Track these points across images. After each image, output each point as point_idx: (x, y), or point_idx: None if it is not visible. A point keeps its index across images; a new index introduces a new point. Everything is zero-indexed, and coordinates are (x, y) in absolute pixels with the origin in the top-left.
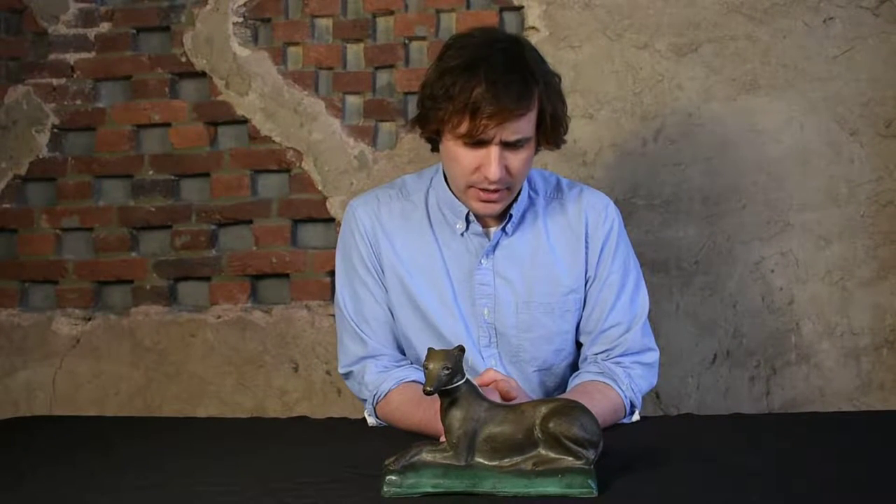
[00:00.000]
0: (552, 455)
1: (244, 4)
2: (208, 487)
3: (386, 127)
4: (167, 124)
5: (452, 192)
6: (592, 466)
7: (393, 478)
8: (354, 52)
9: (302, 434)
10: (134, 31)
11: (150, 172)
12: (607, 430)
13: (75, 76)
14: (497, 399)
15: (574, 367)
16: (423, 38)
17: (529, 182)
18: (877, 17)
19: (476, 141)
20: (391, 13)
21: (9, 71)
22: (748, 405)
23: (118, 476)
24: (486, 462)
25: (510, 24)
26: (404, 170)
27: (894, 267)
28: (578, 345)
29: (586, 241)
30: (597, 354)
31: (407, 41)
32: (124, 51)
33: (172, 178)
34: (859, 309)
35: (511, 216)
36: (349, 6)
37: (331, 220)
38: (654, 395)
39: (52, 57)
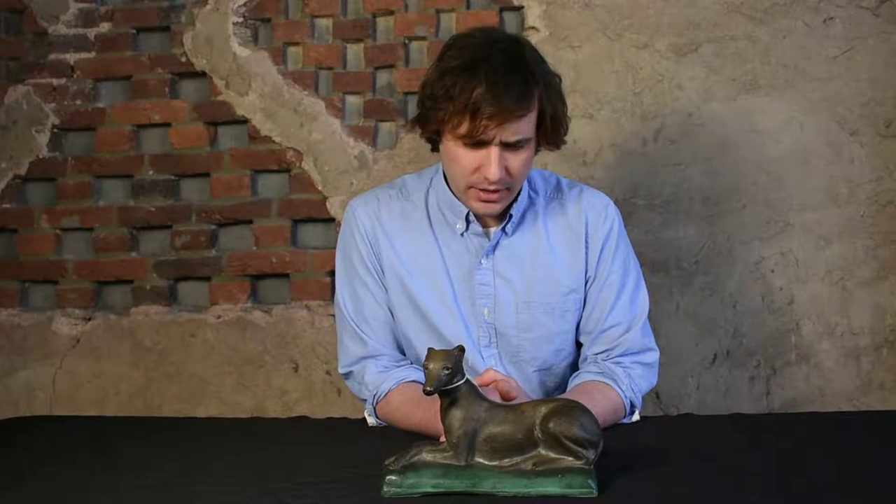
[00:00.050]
0: (552, 455)
1: (244, 4)
2: (208, 487)
3: (386, 127)
4: (167, 124)
5: (452, 192)
6: (592, 466)
7: (393, 478)
8: (354, 52)
9: (302, 434)
10: (134, 31)
11: (150, 172)
12: (607, 430)
13: (75, 76)
14: (497, 399)
15: (574, 367)
16: (423, 38)
17: (529, 182)
18: (877, 17)
19: (476, 141)
20: (391, 13)
21: (9, 71)
22: (748, 405)
23: (118, 476)
24: (486, 462)
25: (510, 24)
26: (404, 170)
27: (894, 267)
28: (578, 345)
29: (586, 241)
30: (597, 354)
31: (407, 41)
32: (124, 51)
33: (172, 178)
34: (859, 309)
35: (511, 216)
36: (349, 6)
37: (331, 220)
38: (654, 395)
39: (52, 57)
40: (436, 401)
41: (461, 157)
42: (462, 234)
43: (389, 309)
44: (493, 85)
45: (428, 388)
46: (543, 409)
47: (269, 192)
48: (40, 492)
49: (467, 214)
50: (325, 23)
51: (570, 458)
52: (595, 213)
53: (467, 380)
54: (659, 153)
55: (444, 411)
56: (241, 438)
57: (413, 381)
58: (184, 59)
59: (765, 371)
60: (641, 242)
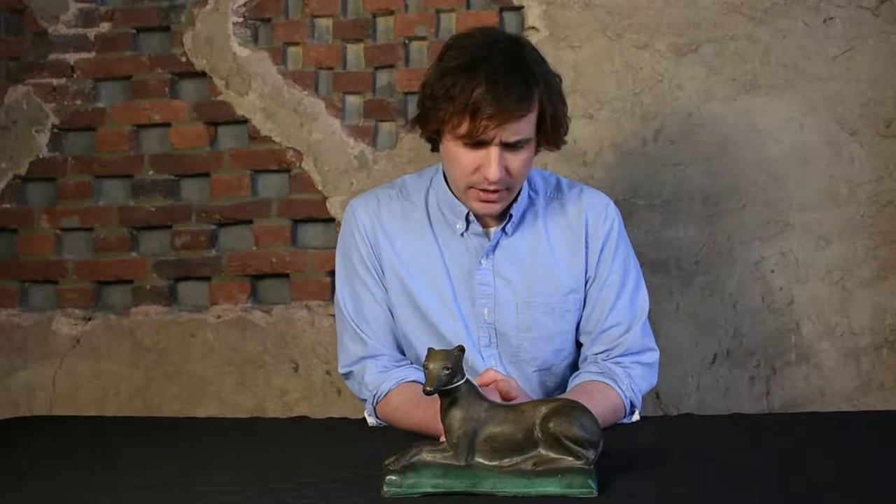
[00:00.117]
0: (552, 455)
1: (244, 4)
2: (208, 487)
3: (386, 127)
4: (167, 124)
5: (452, 192)
6: (592, 466)
7: (393, 478)
8: (354, 52)
9: (302, 434)
10: (134, 31)
11: (150, 172)
12: (607, 430)
13: (75, 76)
14: (497, 399)
15: (574, 367)
16: (423, 38)
17: (529, 182)
18: (877, 17)
19: (476, 141)
20: (391, 13)
21: (9, 71)
22: (748, 405)
23: (118, 476)
24: (486, 462)
25: (510, 24)
26: (404, 170)
27: (894, 267)
28: (578, 345)
29: (586, 241)
30: (597, 354)
31: (407, 41)
32: (124, 51)
33: (172, 178)
34: (859, 309)
35: (511, 216)
36: (349, 6)
37: (331, 220)
38: (654, 395)
39: (52, 57)
40: (436, 401)
41: (461, 157)
42: (462, 234)
43: (389, 309)
44: (494, 85)
45: (428, 388)
46: (543, 409)
47: (269, 192)
48: (40, 492)
49: (467, 214)
50: (325, 23)
51: (570, 458)
52: (595, 213)
53: (467, 380)
54: (659, 153)
55: (444, 411)
56: (241, 438)
57: (413, 381)
58: (184, 59)
59: (765, 371)
60: (641, 242)
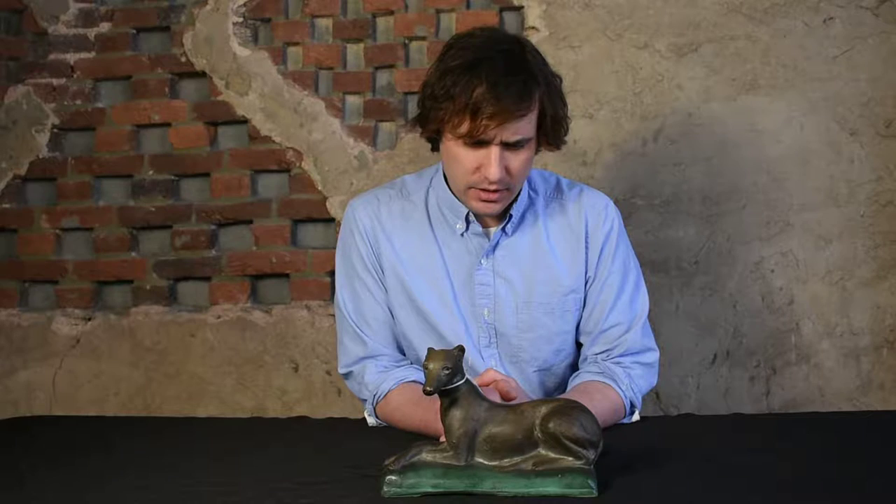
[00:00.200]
0: (552, 455)
1: (244, 4)
2: (208, 487)
3: (386, 127)
4: (167, 124)
5: (452, 192)
6: (592, 466)
7: (393, 478)
8: (354, 52)
9: (302, 434)
10: (134, 31)
11: (150, 172)
12: (607, 430)
13: (75, 76)
14: (497, 399)
15: (574, 367)
16: (423, 38)
17: (529, 182)
18: (877, 17)
19: (476, 141)
20: (391, 13)
21: (9, 71)
22: (748, 405)
23: (118, 476)
24: (486, 462)
25: (510, 24)
26: (404, 170)
27: (894, 267)
28: (578, 345)
29: (586, 242)
30: (597, 354)
31: (407, 41)
32: (124, 51)
33: (172, 178)
34: (859, 309)
35: (511, 216)
36: (349, 6)
37: (331, 220)
38: (654, 395)
39: (52, 57)
40: (436, 401)
41: (461, 156)
42: (462, 234)
43: (389, 309)
44: (494, 85)
45: (428, 388)
46: (543, 409)
47: (269, 192)
48: (40, 492)
49: (467, 214)
50: (325, 23)
51: (570, 458)
52: (595, 213)
53: (467, 380)
54: (659, 153)
55: (444, 411)
56: (241, 438)
57: (413, 382)
58: (184, 59)
59: (765, 371)
60: (641, 242)
